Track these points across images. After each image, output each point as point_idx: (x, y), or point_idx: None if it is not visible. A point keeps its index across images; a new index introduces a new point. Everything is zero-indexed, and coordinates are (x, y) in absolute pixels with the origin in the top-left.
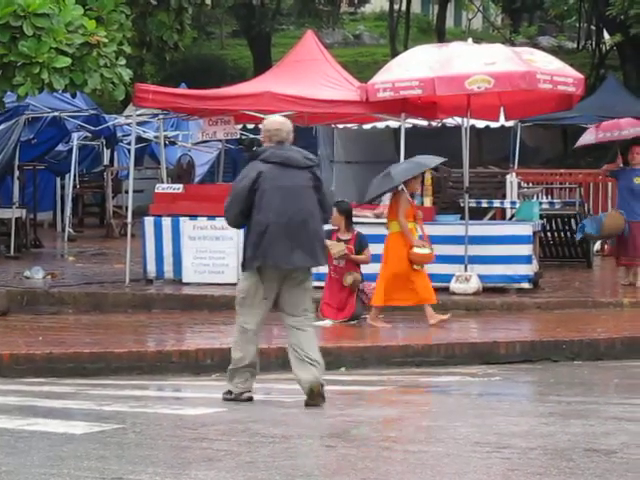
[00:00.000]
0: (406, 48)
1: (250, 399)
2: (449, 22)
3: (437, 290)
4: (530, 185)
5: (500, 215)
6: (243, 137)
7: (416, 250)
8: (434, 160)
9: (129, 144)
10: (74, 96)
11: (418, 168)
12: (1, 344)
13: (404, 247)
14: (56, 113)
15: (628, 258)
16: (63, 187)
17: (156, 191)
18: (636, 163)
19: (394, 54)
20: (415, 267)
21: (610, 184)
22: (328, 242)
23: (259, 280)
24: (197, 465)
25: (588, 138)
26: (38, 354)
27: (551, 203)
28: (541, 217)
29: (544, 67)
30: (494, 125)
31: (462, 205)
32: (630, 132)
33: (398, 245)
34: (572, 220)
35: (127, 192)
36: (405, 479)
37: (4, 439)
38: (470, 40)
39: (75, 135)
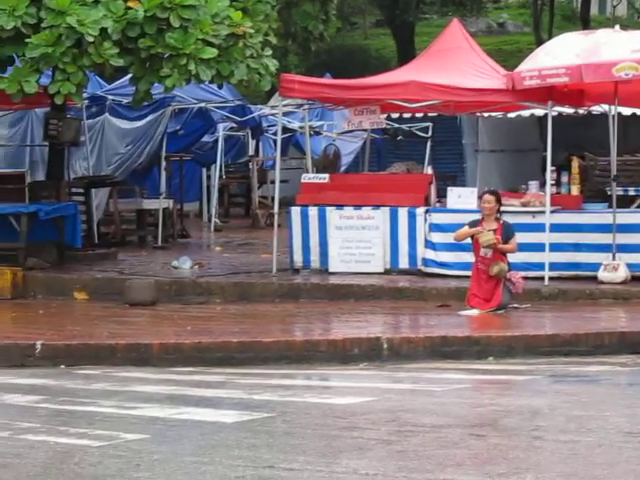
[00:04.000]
0: (550, 36)
1: None
2: (593, 9)
3: (585, 279)
4: None
5: None
6: (388, 127)
7: None
8: None
9: (274, 134)
10: (220, 87)
11: None
12: (151, 334)
13: None
14: (202, 104)
15: None
16: (209, 178)
17: (302, 181)
18: None
19: (539, 42)
20: None
21: None
22: (477, 230)
23: None
24: (348, 454)
25: None
26: (187, 343)
27: None
28: None
29: None
30: None
31: (609, 193)
32: None
33: None
34: None
35: (272, 182)
36: (557, 469)
37: (156, 428)
38: (617, 27)
39: (221, 126)
